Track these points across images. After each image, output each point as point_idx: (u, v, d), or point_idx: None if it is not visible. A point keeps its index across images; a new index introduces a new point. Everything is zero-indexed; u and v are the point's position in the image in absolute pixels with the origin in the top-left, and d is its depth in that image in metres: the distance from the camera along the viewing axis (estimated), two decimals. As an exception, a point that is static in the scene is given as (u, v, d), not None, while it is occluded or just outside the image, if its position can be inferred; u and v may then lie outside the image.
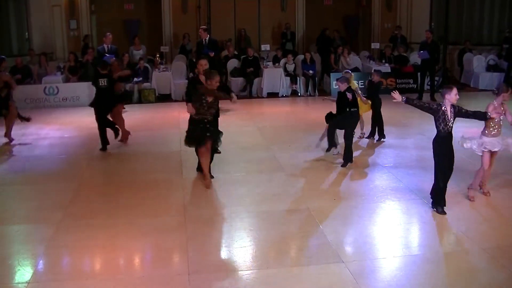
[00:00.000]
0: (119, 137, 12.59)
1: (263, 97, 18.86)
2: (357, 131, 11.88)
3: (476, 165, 11.05)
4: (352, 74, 12.84)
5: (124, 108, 15.22)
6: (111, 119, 12.41)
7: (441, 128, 8.18)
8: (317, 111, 14.17)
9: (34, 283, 6.51)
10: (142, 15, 23.43)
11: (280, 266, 6.88)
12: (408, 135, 13.17)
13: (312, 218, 8.26)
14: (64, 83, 18.04)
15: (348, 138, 10.73)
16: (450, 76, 20.42)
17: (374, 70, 12.90)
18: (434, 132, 12.87)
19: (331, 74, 18.93)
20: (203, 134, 9.22)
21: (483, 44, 21.97)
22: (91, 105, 12.19)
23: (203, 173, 9.63)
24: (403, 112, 15.65)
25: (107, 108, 12.10)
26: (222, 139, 9.63)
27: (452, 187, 9.41)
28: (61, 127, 14.73)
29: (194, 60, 18.81)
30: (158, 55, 19.60)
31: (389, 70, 19.31)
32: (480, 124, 8.81)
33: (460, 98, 17.55)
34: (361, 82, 17.97)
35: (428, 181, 9.45)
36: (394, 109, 15.55)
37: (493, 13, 22.22)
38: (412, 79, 18.89)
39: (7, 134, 13.12)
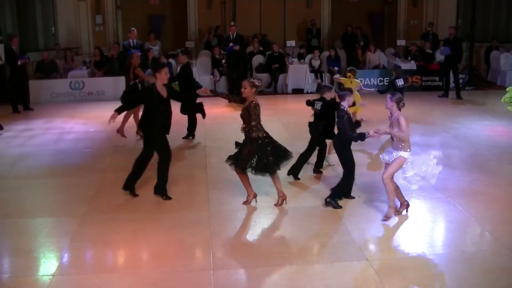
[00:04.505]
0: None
1: (288, 93, 18.85)
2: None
3: (497, 161, 10.96)
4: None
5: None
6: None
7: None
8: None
9: (59, 276, 6.57)
10: (167, 10, 23.56)
11: (304, 263, 6.87)
12: (433, 133, 13.02)
13: (336, 215, 8.22)
14: (89, 77, 18.18)
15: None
16: (477, 74, 20.20)
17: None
18: (460, 130, 12.83)
19: (356, 70, 18.89)
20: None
21: (510, 42, 21.66)
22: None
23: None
24: (427, 110, 15.57)
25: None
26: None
27: (478, 186, 9.33)
28: (86, 121, 14.82)
29: (217, 57, 18.88)
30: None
31: (415, 68, 19.16)
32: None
33: (487, 96, 17.29)
34: (386, 79, 17.86)
35: (453, 179, 9.38)
36: (417, 107, 15.47)
37: (521, 10, 21.92)
38: (438, 76, 18.69)
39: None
